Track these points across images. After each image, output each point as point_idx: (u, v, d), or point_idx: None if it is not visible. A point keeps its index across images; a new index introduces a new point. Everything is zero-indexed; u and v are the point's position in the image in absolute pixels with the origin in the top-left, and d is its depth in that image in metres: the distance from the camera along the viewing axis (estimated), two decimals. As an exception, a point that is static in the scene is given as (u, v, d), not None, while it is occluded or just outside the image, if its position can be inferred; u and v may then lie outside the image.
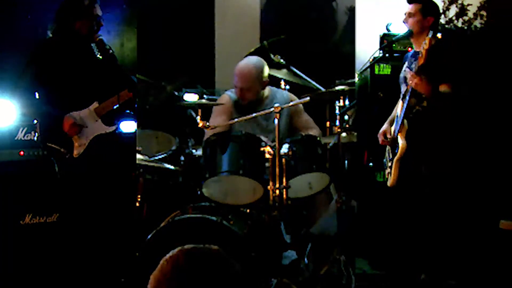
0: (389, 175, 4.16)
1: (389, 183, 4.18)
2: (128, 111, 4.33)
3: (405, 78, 4.18)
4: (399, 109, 4.12)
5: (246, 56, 5.07)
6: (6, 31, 4.53)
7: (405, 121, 4.03)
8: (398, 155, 4.03)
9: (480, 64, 4.62)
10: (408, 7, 4.16)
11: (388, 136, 4.24)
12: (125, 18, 5.00)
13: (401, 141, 4.02)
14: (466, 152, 4.21)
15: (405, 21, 4.17)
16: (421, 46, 3.82)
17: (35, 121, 4.10)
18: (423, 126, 4.07)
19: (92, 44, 4.11)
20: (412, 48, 4.74)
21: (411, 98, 3.96)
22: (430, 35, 3.79)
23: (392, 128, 4.24)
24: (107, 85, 4.14)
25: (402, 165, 4.07)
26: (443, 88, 3.99)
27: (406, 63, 4.25)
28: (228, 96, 4.86)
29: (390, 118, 4.36)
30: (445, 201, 4.14)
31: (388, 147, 4.29)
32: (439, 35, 3.78)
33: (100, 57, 4.09)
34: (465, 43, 4.76)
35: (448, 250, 4.19)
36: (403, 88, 4.18)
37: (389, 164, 4.19)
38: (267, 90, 4.84)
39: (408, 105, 3.98)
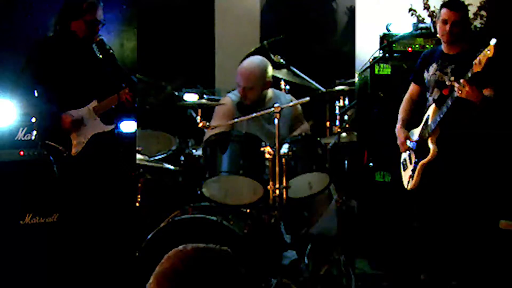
0: (411, 178, 4.12)
1: (409, 186, 4.14)
2: (127, 113, 4.33)
3: (437, 82, 4.10)
4: (431, 112, 4.05)
5: (246, 56, 5.07)
6: (6, 31, 4.53)
7: (438, 126, 3.98)
8: (427, 159, 4.00)
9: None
10: (452, 14, 4.02)
11: (412, 141, 4.18)
12: (125, 18, 4.99)
13: (432, 146, 3.98)
14: (469, 152, 4.20)
15: (450, 29, 4.01)
16: (482, 52, 3.63)
17: (33, 119, 4.10)
18: (456, 131, 4.03)
19: (93, 44, 4.11)
20: (412, 48, 4.73)
21: (452, 104, 3.87)
22: (493, 43, 3.61)
23: (416, 131, 4.19)
24: (107, 84, 4.14)
25: (427, 169, 4.05)
26: (487, 92, 3.91)
27: (435, 66, 4.15)
28: (230, 98, 4.85)
29: (401, 121, 4.29)
30: (447, 201, 4.14)
31: (408, 150, 4.24)
32: None
33: (101, 56, 4.09)
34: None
35: (449, 250, 4.18)
36: (436, 93, 4.10)
37: (411, 167, 4.15)
38: (270, 92, 4.83)
39: (447, 110, 3.89)
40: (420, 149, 4.10)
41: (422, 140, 4.10)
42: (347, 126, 4.85)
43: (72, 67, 4.07)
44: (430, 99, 4.16)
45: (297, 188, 4.19)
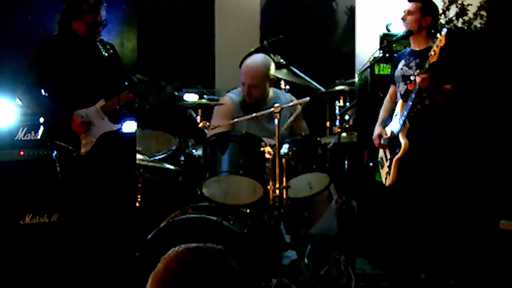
0: (388, 174, 4.16)
1: (387, 183, 4.17)
2: (125, 112, 4.32)
3: (403, 77, 4.17)
4: (399, 108, 4.11)
5: (247, 55, 5.07)
6: (6, 31, 4.53)
7: (407, 120, 4.03)
8: (399, 154, 4.03)
9: (480, 64, 4.62)
10: (408, 5, 4.15)
11: (385, 136, 4.23)
12: (125, 18, 5.00)
13: (403, 140, 4.02)
14: (466, 151, 4.21)
15: (403, 19, 4.17)
16: (435, 43, 3.74)
17: (41, 119, 4.10)
18: (425, 124, 4.06)
19: (97, 43, 4.10)
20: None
21: (416, 97, 3.94)
22: (444, 32, 3.71)
23: (388, 129, 4.23)
24: (113, 83, 4.14)
25: (401, 164, 4.07)
26: (447, 87, 4.00)
27: (403, 62, 4.23)
28: (230, 98, 4.84)
29: (380, 119, 4.34)
30: (445, 200, 4.14)
31: (382, 147, 4.27)
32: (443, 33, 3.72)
33: (106, 54, 4.08)
34: (466, 43, 4.74)
35: (448, 249, 4.19)
36: (402, 87, 4.17)
37: (387, 163, 4.18)
38: (271, 91, 4.83)
39: (413, 104, 3.96)
40: (393, 145, 4.12)
41: (393, 136, 4.13)
42: (347, 126, 4.84)
43: (79, 65, 4.06)
44: (398, 94, 4.21)
45: (297, 188, 4.19)
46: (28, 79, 4.00)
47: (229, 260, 1.66)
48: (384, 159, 4.27)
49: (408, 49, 4.29)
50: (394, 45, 4.80)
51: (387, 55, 4.83)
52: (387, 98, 4.43)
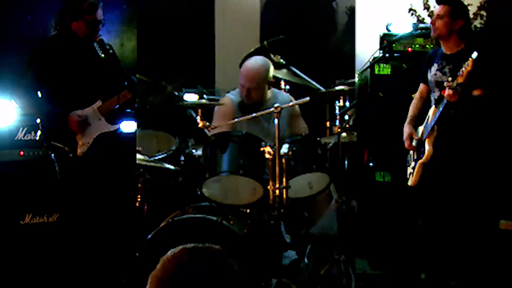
0: (411, 175, 4.15)
1: (410, 183, 4.17)
2: (128, 111, 4.32)
3: (437, 83, 4.11)
4: (431, 114, 4.08)
5: (247, 56, 5.07)
6: (6, 31, 4.53)
7: (435, 127, 4.00)
8: (422, 159, 4.02)
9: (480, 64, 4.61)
10: (437, 9, 4.07)
11: (415, 138, 4.19)
12: (125, 18, 5.00)
13: (428, 147, 4.01)
14: (467, 152, 4.21)
15: (432, 24, 4.07)
16: (463, 66, 3.64)
17: (38, 120, 4.10)
18: (452, 133, 4.05)
19: (95, 43, 4.10)
20: (412, 48, 4.74)
21: (446, 108, 3.88)
22: (474, 57, 3.58)
23: (420, 130, 4.20)
24: (110, 83, 4.14)
25: (424, 168, 4.06)
26: (476, 92, 3.95)
27: (436, 66, 4.16)
28: (229, 98, 4.84)
29: (409, 118, 4.31)
30: (446, 200, 4.15)
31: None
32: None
33: (103, 55, 4.08)
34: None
35: (448, 250, 4.19)
36: (436, 93, 4.14)
37: (412, 164, 4.18)
38: (269, 92, 4.84)
39: (442, 113, 3.91)
40: (419, 148, 4.11)
41: (421, 140, 4.12)
42: (347, 126, 4.84)
43: (75, 67, 4.05)
44: (433, 99, 4.18)
45: (297, 188, 4.19)
46: (24, 81, 3.99)
47: (227, 260, 1.66)
48: (411, 158, 4.26)
49: (439, 50, 4.20)
50: (394, 45, 4.80)
51: (387, 55, 4.83)
52: (417, 95, 4.36)
